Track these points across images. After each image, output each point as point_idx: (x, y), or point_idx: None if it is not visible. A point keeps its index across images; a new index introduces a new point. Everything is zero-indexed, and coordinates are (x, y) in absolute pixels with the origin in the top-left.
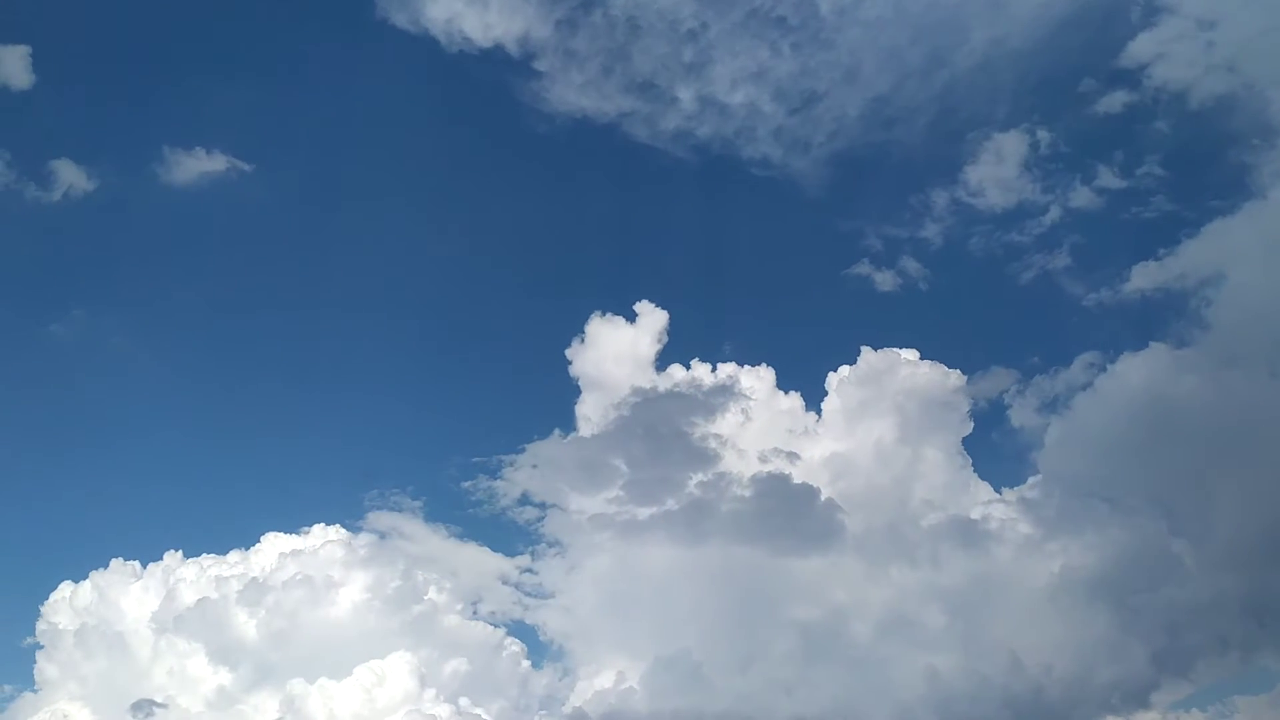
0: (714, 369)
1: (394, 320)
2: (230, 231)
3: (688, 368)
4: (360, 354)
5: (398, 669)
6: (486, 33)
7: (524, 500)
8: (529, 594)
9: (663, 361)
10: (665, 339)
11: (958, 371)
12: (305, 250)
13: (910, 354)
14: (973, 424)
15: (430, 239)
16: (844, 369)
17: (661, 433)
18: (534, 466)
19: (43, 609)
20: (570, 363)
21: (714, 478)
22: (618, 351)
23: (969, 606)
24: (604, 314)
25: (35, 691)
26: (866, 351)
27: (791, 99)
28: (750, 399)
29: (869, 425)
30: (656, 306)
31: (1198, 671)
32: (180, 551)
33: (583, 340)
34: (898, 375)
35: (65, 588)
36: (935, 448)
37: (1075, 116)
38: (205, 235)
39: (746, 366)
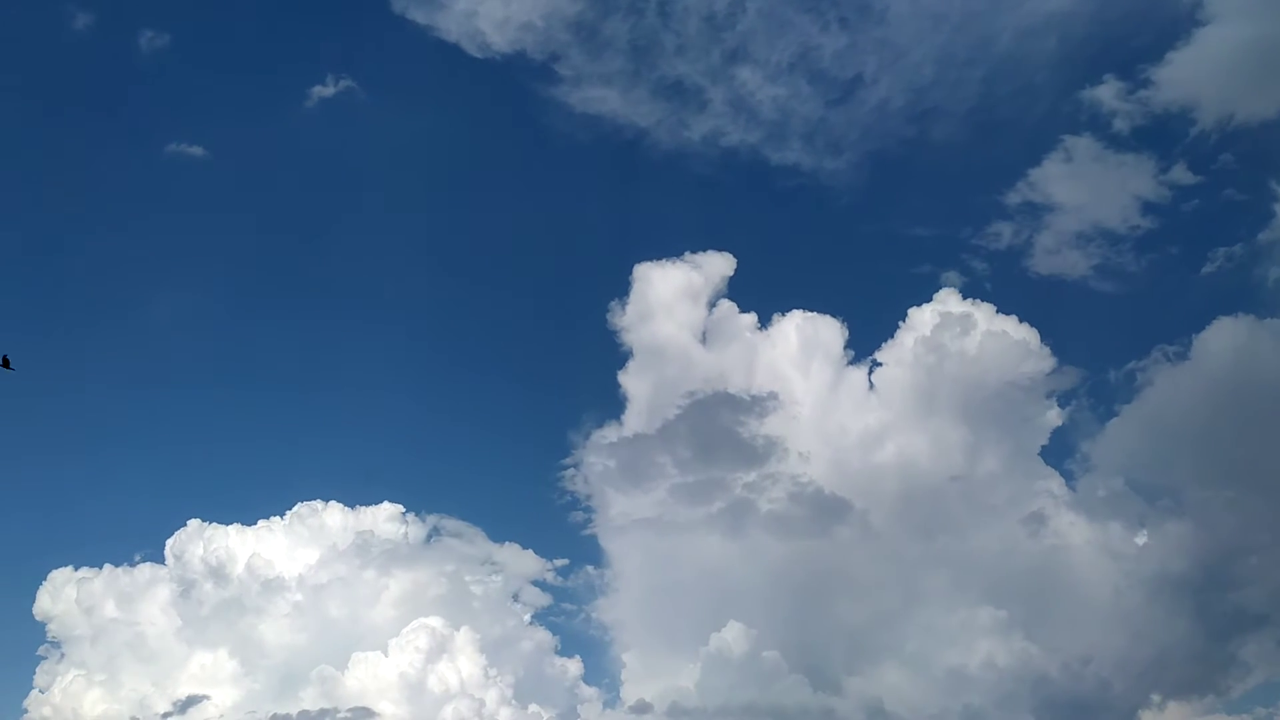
0: (765, 326)
1: (418, 318)
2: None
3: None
4: (386, 354)
5: (446, 660)
6: (504, 27)
7: (571, 504)
8: (576, 595)
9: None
10: (725, 288)
11: (1045, 347)
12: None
13: (986, 309)
14: (1055, 403)
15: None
16: (913, 327)
17: (710, 433)
18: (578, 468)
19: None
20: (617, 331)
21: (760, 478)
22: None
23: (1030, 601)
24: (656, 261)
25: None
26: (937, 307)
27: (832, 87)
28: (800, 404)
29: (936, 400)
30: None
31: (1256, 673)
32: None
33: (624, 305)
34: (972, 339)
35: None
36: (1009, 432)
37: (1136, 108)
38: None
39: (812, 313)
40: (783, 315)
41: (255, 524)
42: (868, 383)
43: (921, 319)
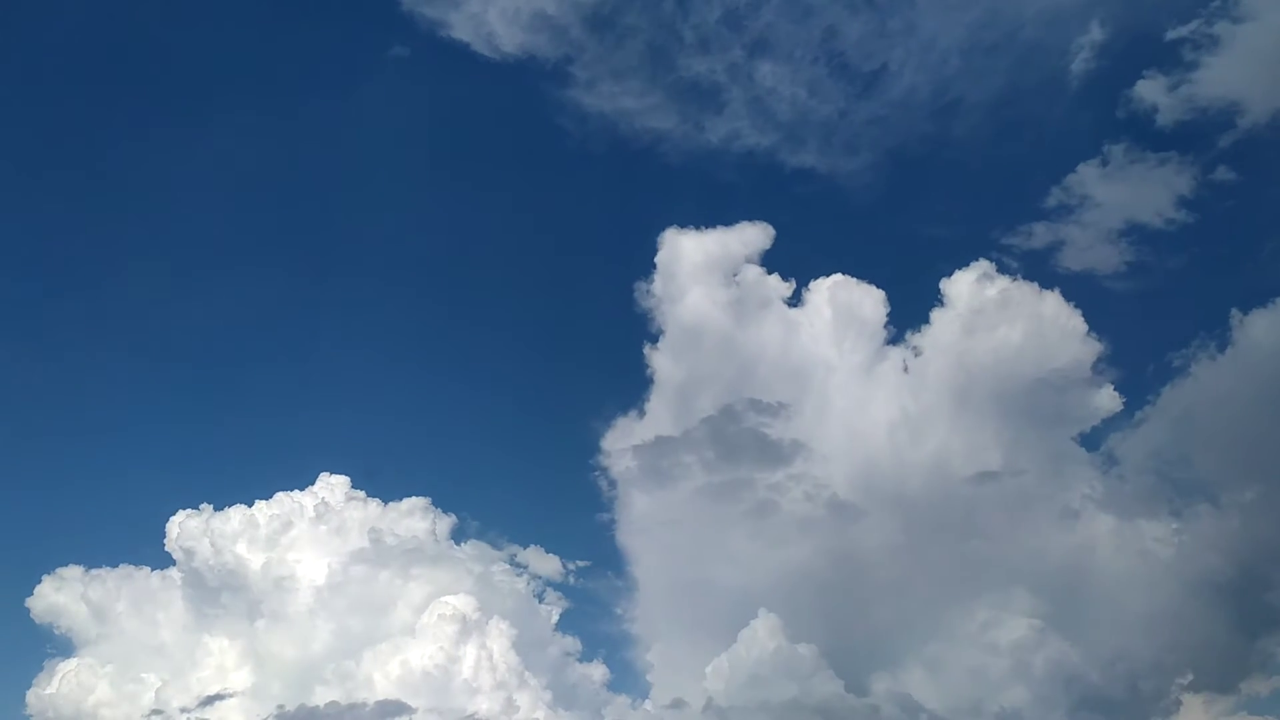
0: (797, 297)
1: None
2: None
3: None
4: (401, 349)
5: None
6: (515, 22)
7: (595, 505)
8: (599, 596)
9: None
10: (759, 261)
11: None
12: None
13: (1029, 287)
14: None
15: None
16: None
17: (736, 434)
18: (602, 469)
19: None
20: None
21: (785, 479)
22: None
23: (1064, 599)
24: (683, 228)
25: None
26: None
27: (855, 81)
28: (831, 396)
29: (971, 391)
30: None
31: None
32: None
33: (649, 285)
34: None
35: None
36: (1046, 423)
37: (1178, 103)
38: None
39: (846, 276)
40: (808, 289)
41: (271, 518)
42: (903, 367)
43: (959, 297)
